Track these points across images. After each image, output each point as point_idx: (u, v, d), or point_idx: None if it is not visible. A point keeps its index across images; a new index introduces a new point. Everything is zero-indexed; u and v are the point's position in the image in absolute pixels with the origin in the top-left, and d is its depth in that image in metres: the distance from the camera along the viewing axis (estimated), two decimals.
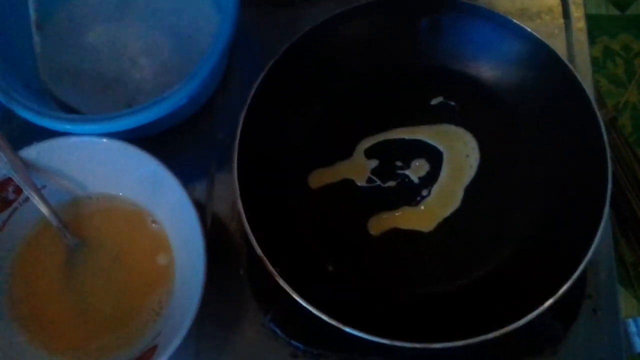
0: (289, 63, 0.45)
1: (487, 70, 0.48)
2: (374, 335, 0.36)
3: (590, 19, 0.52)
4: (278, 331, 0.42)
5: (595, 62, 0.50)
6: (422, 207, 0.45)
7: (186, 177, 0.39)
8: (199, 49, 0.45)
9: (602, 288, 0.43)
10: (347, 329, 0.36)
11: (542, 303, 0.37)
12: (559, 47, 0.51)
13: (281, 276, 0.38)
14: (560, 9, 0.52)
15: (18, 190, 0.40)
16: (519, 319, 0.36)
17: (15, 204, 0.41)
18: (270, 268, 0.38)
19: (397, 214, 0.45)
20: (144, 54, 0.48)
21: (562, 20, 0.52)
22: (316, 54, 0.47)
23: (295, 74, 0.46)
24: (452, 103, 0.48)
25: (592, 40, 0.51)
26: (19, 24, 0.47)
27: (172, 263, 0.41)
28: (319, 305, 0.37)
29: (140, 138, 0.41)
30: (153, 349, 0.37)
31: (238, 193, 0.40)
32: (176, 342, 0.35)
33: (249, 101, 0.43)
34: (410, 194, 0.45)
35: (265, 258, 0.38)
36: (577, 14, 0.52)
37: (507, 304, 0.39)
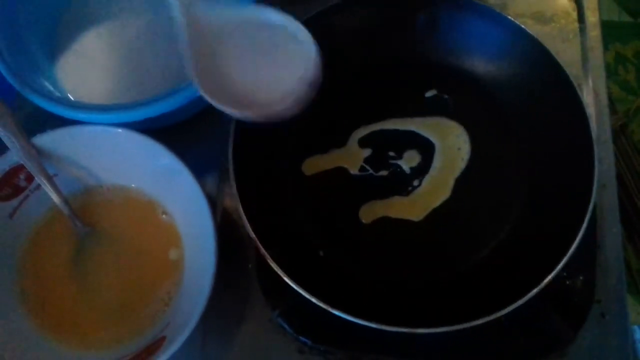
0: None
1: (481, 65, 0.48)
2: (362, 318, 0.37)
3: (603, 25, 0.52)
4: (286, 326, 0.42)
5: (606, 68, 0.50)
6: (413, 197, 0.46)
7: (196, 171, 0.39)
8: None
9: (611, 293, 0.43)
10: (335, 312, 0.37)
11: (528, 291, 0.37)
12: (574, 51, 0.51)
13: (272, 258, 0.38)
14: (575, 13, 0.52)
15: (29, 178, 0.40)
16: (506, 306, 0.37)
17: (26, 192, 0.41)
18: (263, 250, 0.38)
19: (388, 202, 0.45)
20: (159, 44, 0.48)
21: (576, 25, 0.52)
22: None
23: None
24: (446, 96, 0.48)
25: (604, 46, 0.51)
26: (34, 12, 0.47)
27: (182, 255, 0.41)
28: (308, 288, 0.37)
29: (151, 130, 0.41)
30: (162, 340, 0.37)
31: (233, 176, 0.40)
32: (185, 333, 0.35)
33: None
34: (402, 183, 0.46)
35: (257, 240, 0.39)
36: (593, 18, 0.52)
37: (496, 291, 0.40)
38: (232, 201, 0.46)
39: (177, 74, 0.47)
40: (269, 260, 0.38)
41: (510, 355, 0.41)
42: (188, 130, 0.48)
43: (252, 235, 0.39)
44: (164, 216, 0.42)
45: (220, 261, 0.37)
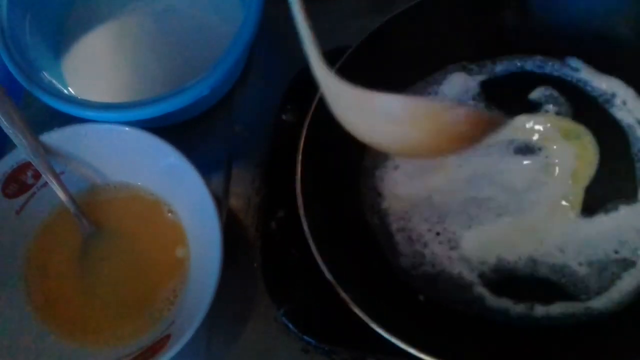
0: (380, 41, 0.41)
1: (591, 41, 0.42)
2: None
3: None
4: (290, 326, 0.42)
5: None
6: (531, 218, 0.39)
7: (202, 170, 0.39)
8: (222, 41, 0.45)
9: None
10: None
11: None
12: None
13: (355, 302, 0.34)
14: None
15: (37, 175, 0.41)
16: None
17: (33, 189, 0.41)
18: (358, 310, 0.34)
19: (499, 228, 0.39)
20: (166, 43, 0.48)
21: None
22: (409, 34, 0.42)
23: (384, 54, 0.41)
24: (556, 94, 0.42)
25: None
26: (41, 10, 0.47)
27: (188, 253, 0.41)
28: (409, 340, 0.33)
29: (158, 128, 0.41)
30: (167, 338, 0.37)
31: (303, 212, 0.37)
32: (190, 332, 0.35)
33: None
34: (514, 202, 0.40)
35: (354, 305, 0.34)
36: None
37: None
38: (238, 199, 0.46)
39: (183, 72, 0.47)
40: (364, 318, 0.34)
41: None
42: (194, 129, 0.48)
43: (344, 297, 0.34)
44: (169, 214, 0.42)
45: (225, 260, 0.37)
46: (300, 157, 0.38)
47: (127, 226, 0.42)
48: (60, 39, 0.48)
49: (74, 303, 0.41)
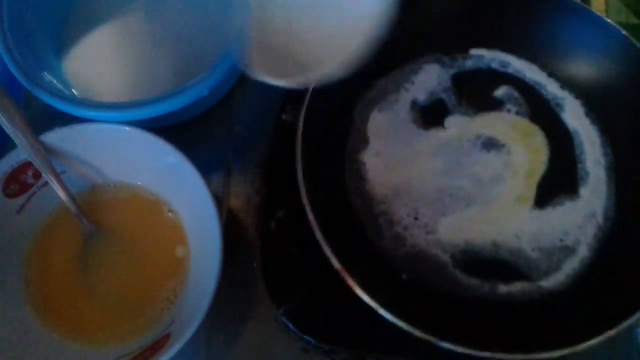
0: None
1: (559, 62, 0.47)
2: (467, 347, 0.35)
3: None
4: (290, 326, 0.42)
5: None
6: (494, 207, 0.44)
7: (202, 170, 0.39)
8: (222, 41, 0.46)
9: None
10: (443, 344, 0.35)
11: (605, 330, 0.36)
12: None
13: (360, 286, 0.36)
14: None
15: (37, 175, 0.41)
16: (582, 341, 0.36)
17: (33, 189, 0.41)
18: (350, 281, 0.36)
19: (468, 215, 0.43)
20: (166, 43, 0.48)
21: None
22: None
23: None
24: (517, 95, 0.47)
25: None
26: (42, 10, 0.47)
27: (188, 253, 0.41)
28: (410, 320, 0.35)
29: (158, 128, 0.41)
30: (166, 337, 0.37)
31: (307, 201, 0.38)
32: (189, 331, 0.35)
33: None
34: (480, 192, 0.44)
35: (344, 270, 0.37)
36: None
37: (574, 322, 0.38)
38: (238, 199, 0.47)
39: (184, 72, 0.47)
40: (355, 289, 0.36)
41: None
42: (194, 129, 0.48)
43: (337, 266, 0.37)
44: (169, 214, 0.42)
45: (225, 260, 0.37)
46: (299, 148, 0.40)
47: (127, 226, 0.42)
48: (61, 38, 0.49)
49: (73, 302, 0.41)
